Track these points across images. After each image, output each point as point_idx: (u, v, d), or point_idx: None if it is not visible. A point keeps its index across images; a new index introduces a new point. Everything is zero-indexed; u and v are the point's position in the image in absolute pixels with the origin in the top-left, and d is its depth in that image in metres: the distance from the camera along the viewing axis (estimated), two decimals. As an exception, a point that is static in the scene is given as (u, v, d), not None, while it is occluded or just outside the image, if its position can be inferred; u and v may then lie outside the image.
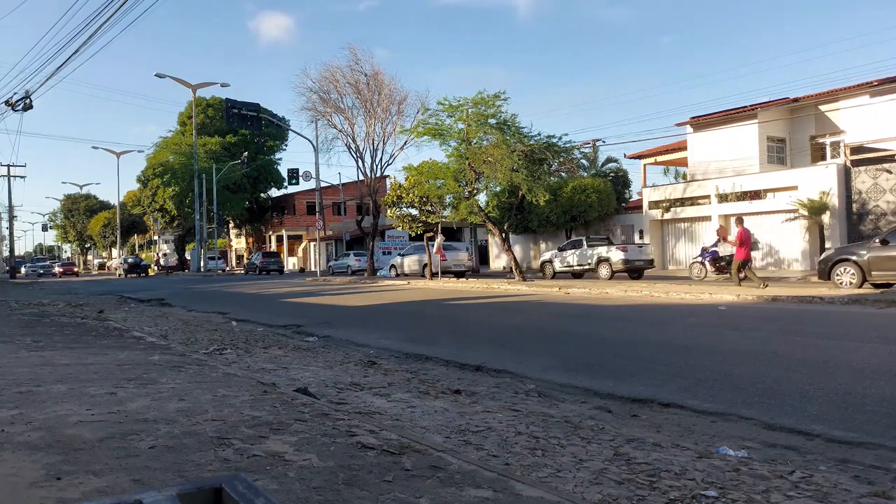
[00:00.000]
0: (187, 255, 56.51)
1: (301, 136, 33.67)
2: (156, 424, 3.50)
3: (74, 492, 2.46)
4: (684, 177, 33.12)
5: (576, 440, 3.70)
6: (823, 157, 25.52)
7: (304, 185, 39.16)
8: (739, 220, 14.61)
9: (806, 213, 22.19)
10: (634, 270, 21.17)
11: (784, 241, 23.67)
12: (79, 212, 79.16)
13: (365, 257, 35.09)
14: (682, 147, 29.28)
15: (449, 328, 10.10)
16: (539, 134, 21.00)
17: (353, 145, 30.46)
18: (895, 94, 22.29)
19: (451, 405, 4.65)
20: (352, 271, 35.75)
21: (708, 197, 25.74)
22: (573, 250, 23.04)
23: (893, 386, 4.95)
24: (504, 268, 33.11)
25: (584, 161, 32.83)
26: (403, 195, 29.38)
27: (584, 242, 22.73)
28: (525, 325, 10.17)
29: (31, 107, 23.48)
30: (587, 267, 22.03)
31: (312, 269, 45.84)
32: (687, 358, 6.43)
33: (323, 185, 34.06)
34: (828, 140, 25.51)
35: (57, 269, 56.82)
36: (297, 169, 34.41)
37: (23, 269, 61.60)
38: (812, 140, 25.99)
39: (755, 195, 24.19)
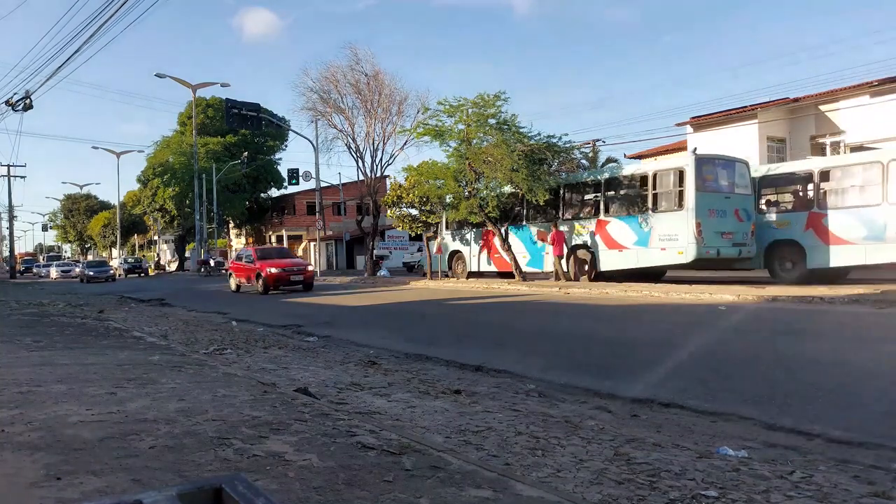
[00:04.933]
0: (187, 255, 56.46)
1: (301, 136, 33.65)
2: (156, 424, 3.50)
3: (74, 492, 2.46)
4: (684, 177, 33.05)
5: (576, 440, 3.69)
6: (824, 157, 25.51)
7: (304, 185, 39.10)
8: (555, 225, 18.27)
9: (806, 212, 22.16)
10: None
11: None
12: (79, 212, 79.17)
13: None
14: (682, 147, 29.22)
15: (449, 328, 10.10)
16: (539, 134, 20.91)
17: (353, 145, 30.40)
18: (895, 94, 22.26)
19: (452, 405, 4.65)
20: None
21: (708, 197, 25.69)
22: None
23: (893, 386, 4.95)
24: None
25: (584, 161, 32.76)
26: (403, 195, 29.33)
27: None
28: (525, 325, 10.16)
29: (31, 107, 23.47)
30: None
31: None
32: (687, 358, 6.43)
33: (323, 185, 33.99)
34: (828, 140, 25.44)
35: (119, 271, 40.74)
36: (297, 169, 34.37)
37: (43, 271, 56.56)
38: (812, 140, 25.93)
39: (755, 195, 24.16)
